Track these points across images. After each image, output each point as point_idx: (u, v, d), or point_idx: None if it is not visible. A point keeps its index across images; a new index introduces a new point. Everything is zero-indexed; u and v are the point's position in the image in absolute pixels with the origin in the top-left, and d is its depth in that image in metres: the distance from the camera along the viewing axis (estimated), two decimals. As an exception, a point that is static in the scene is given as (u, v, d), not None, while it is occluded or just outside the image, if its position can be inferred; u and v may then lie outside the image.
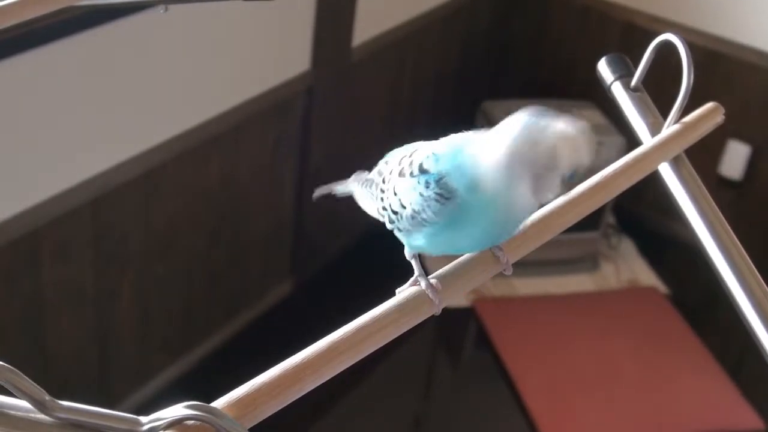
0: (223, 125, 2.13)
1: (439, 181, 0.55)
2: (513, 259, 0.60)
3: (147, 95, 1.93)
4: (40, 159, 1.78)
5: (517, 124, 0.54)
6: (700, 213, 0.66)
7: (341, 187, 0.69)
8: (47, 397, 0.43)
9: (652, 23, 2.90)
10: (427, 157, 0.57)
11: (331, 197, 0.72)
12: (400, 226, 0.59)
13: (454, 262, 0.58)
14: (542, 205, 0.60)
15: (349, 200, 0.68)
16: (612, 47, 2.95)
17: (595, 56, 0.81)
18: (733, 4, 2.78)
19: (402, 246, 0.61)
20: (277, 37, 2.24)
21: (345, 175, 0.68)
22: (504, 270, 0.59)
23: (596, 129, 2.79)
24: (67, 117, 1.78)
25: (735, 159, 2.89)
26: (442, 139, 0.59)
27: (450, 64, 3.01)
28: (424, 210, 0.56)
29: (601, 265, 2.93)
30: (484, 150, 0.55)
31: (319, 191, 0.71)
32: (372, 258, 2.07)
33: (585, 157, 0.54)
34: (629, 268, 2.94)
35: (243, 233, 2.38)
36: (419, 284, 0.56)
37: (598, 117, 2.68)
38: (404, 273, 0.58)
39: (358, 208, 0.67)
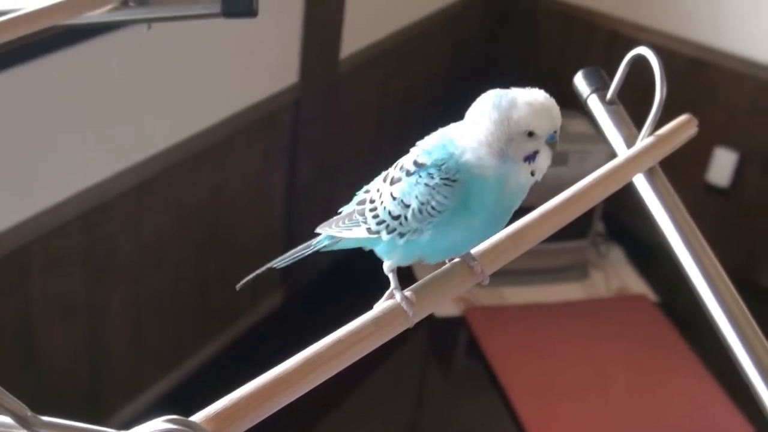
0: (212, 138, 2.14)
1: (441, 167, 0.58)
2: (490, 270, 0.61)
3: (135, 110, 1.94)
4: (30, 174, 1.78)
5: (489, 103, 0.59)
6: (674, 223, 0.68)
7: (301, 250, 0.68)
8: (29, 413, 0.44)
9: (637, 32, 2.92)
10: (418, 155, 0.60)
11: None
12: (404, 229, 0.60)
13: (431, 275, 0.59)
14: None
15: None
16: (597, 56, 2.97)
17: (581, 65, 0.83)
18: (717, 12, 2.80)
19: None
20: (265, 50, 2.25)
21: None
22: (481, 281, 0.60)
23: (584, 138, 2.81)
24: (57, 132, 1.79)
25: (722, 166, 2.91)
26: (422, 140, 0.62)
27: (438, 75, 3.03)
28: (433, 198, 0.58)
29: (590, 274, 2.95)
30: (468, 134, 0.59)
31: (281, 262, 0.69)
32: (361, 270, 2.08)
33: (558, 118, 0.58)
34: (618, 276, 2.95)
35: (233, 245, 2.38)
36: (395, 297, 0.57)
37: (585, 126, 2.69)
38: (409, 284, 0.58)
39: None
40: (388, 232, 0.61)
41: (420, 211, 0.59)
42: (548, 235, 0.64)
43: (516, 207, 0.61)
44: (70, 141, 1.82)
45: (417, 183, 0.59)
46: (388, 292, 0.58)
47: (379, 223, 0.61)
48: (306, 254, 0.68)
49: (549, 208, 0.63)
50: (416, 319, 0.56)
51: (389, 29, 2.67)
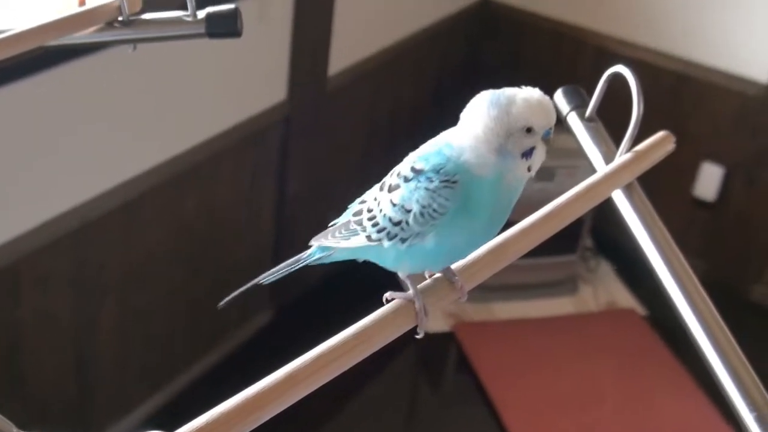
0: (201, 156, 2.15)
1: (440, 171, 0.59)
2: (470, 286, 0.61)
3: (122, 128, 1.95)
4: (19, 192, 1.79)
5: (486, 100, 0.60)
6: (652, 238, 0.69)
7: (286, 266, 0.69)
8: (14, 430, 0.44)
9: (623, 47, 2.94)
10: (415, 161, 0.61)
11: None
12: (406, 234, 0.60)
13: (409, 292, 0.60)
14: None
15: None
16: (584, 72, 3.00)
17: (568, 80, 0.84)
18: (702, 28, 2.83)
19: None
20: (254, 67, 2.26)
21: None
22: (459, 297, 0.61)
23: (571, 153, 2.83)
24: (45, 150, 1.80)
25: (709, 180, 2.93)
26: (418, 149, 0.63)
27: (426, 91, 3.05)
28: (434, 200, 0.59)
29: (579, 288, 2.96)
30: (464, 135, 0.60)
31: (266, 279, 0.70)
32: (351, 286, 2.08)
33: (553, 115, 0.60)
34: (607, 290, 2.97)
35: (222, 262, 2.39)
36: (414, 302, 0.58)
37: (572, 141, 2.70)
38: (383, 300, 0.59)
39: None
40: (390, 239, 0.61)
41: (422, 214, 0.59)
42: (528, 250, 0.64)
43: (513, 204, 0.62)
44: (59, 159, 1.83)
45: (417, 188, 0.60)
46: (403, 295, 0.58)
47: (379, 231, 0.62)
48: (295, 269, 0.69)
49: (528, 224, 0.64)
50: (396, 334, 0.57)
51: (377, 46, 2.69)
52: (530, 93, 0.60)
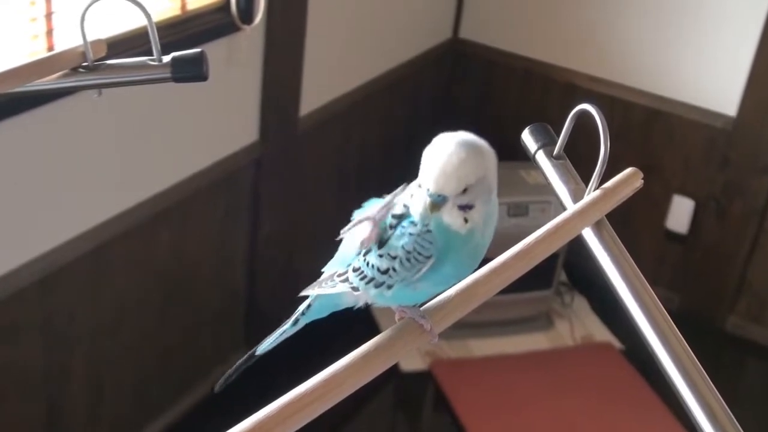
0: (171, 199, 2.13)
1: (414, 218, 0.61)
2: (439, 329, 0.61)
3: (91, 172, 1.93)
4: (-15, 241, 1.76)
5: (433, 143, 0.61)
6: (622, 274, 0.69)
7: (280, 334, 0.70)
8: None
9: (592, 83, 2.98)
10: (394, 208, 0.63)
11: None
12: (393, 281, 0.62)
13: (379, 336, 0.59)
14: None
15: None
16: (554, 108, 3.02)
17: (539, 118, 0.85)
18: (672, 64, 2.86)
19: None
20: (224, 109, 2.26)
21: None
22: (431, 339, 0.60)
23: (543, 189, 2.84)
24: (11, 197, 1.78)
25: (680, 213, 2.95)
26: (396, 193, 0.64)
27: (397, 129, 3.06)
28: (419, 245, 0.60)
29: (555, 323, 2.96)
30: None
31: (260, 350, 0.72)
32: (327, 327, 2.07)
33: (446, 182, 0.59)
34: (583, 324, 2.97)
35: (194, 307, 2.36)
36: (420, 322, 0.59)
37: (544, 177, 2.72)
38: (360, 341, 0.58)
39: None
40: (375, 287, 0.63)
41: (408, 259, 0.61)
42: (497, 290, 0.64)
43: (481, 247, 0.62)
44: (25, 206, 1.81)
45: (401, 236, 0.61)
46: (409, 316, 0.59)
47: (367, 283, 0.63)
48: (289, 332, 0.70)
49: (497, 264, 0.64)
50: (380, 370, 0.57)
51: (347, 87, 2.70)
52: (444, 151, 0.60)
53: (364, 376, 0.56)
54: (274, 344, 0.71)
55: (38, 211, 1.84)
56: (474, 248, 0.62)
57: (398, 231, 0.61)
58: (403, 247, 0.61)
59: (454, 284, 0.62)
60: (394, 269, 0.61)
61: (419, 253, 0.60)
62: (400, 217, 0.62)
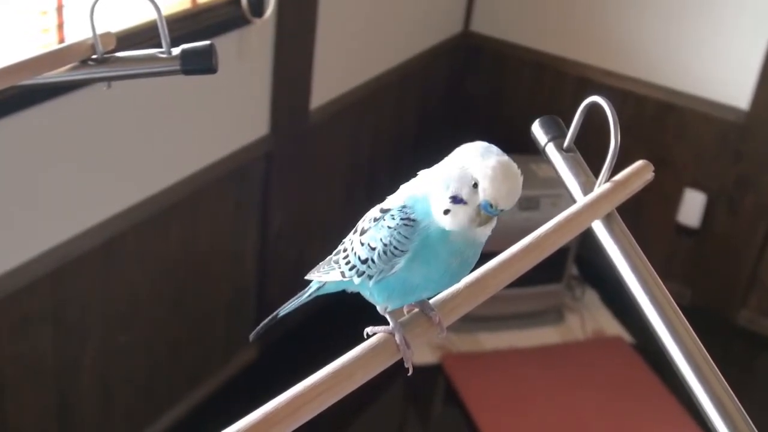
0: (182, 193, 2.13)
1: (402, 209, 0.61)
2: (448, 321, 0.61)
3: (102, 165, 1.94)
4: (-3, 233, 1.77)
5: (456, 153, 0.61)
6: (633, 268, 0.68)
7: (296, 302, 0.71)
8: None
9: (604, 77, 2.96)
10: (384, 203, 0.63)
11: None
12: (372, 271, 0.62)
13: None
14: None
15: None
16: (566, 102, 3.01)
17: (550, 111, 0.84)
18: (684, 57, 2.85)
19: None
20: (235, 102, 2.26)
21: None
22: (438, 333, 0.60)
23: (554, 183, 2.83)
24: (23, 191, 1.78)
25: (692, 207, 2.94)
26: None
27: (407, 124, 3.05)
28: (394, 238, 0.60)
29: (566, 317, 2.95)
30: (429, 178, 0.61)
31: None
32: (335, 322, 2.07)
33: (503, 194, 0.58)
34: (594, 318, 2.96)
35: (205, 300, 2.37)
36: (394, 336, 0.58)
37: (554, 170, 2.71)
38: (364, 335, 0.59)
39: None
40: (358, 275, 0.63)
41: (384, 252, 0.61)
42: (507, 283, 0.64)
43: (475, 250, 0.61)
44: (36, 198, 1.81)
45: (381, 227, 0.61)
46: (384, 329, 0.58)
47: (351, 269, 0.64)
48: (303, 301, 0.71)
49: (507, 257, 0.63)
50: (378, 370, 0.56)
51: (358, 80, 2.69)
52: (493, 164, 0.58)
53: (375, 367, 0.56)
54: (292, 309, 0.71)
55: (49, 203, 1.84)
56: (457, 252, 0.61)
57: (379, 222, 0.62)
58: (381, 239, 0.61)
59: (433, 293, 0.61)
60: (372, 260, 0.62)
61: (395, 247, 0.60)
62: (386, 211, 0.62)
